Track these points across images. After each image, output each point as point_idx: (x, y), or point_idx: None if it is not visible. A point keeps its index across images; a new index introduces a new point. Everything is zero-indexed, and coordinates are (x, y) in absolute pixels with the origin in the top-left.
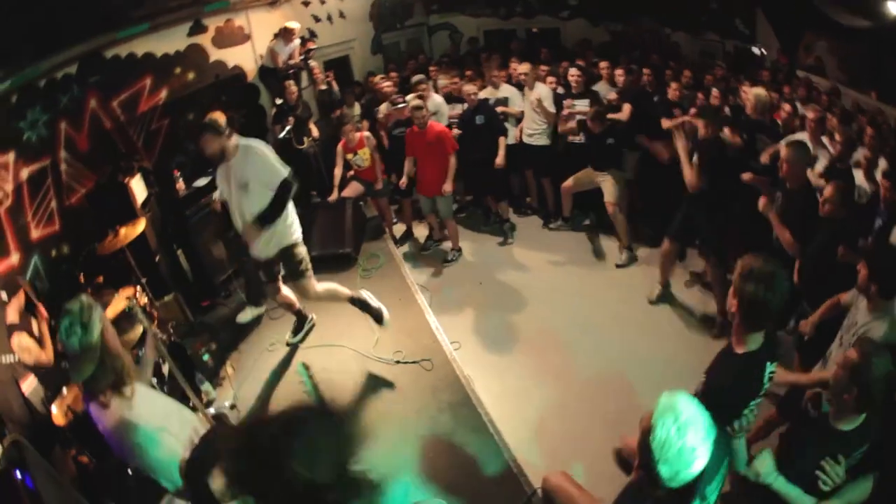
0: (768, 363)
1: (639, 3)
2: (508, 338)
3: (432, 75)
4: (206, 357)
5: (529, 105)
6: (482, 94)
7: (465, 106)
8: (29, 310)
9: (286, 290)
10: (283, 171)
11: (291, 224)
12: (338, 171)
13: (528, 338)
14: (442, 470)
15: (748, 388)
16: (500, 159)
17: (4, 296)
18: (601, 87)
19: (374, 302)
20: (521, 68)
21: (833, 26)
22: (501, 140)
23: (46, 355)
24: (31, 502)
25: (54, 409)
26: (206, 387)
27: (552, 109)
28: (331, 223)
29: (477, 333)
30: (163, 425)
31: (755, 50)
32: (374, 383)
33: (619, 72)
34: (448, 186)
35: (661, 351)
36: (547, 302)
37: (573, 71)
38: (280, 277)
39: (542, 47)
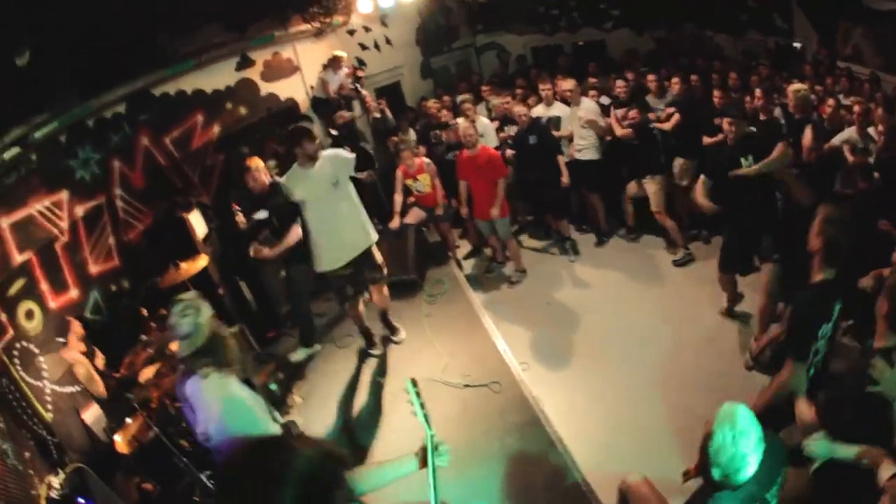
0: (837, 299)
1: (681, 9)
2: (575, 356)
3: (484, 95)
4: (273, 387)
5: (577, 121)
6: (536, 111)
7: (516, 127)
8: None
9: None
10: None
11: (368, 220)
12: (398, 198)
13: (594, 354)
14: (513, 491)
15: (821, 313)
16: (565, 178)
17: (61, 340)
18: (650, 100)
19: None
20: (566, 85)
21: (866, 12)
22: (560, 159)
23: (99, 385)
24: None
25: (118, 438)
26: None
27: (602, 122)
28: (394, 250)
29: (544, 353)
30: (255, 406)
31: (796, 44)
32: (443, 408)
33: (674, 80)
34: (496, 211)
35: (727, 364)
36: (611, 317)
37: (619, 83)
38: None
39: (589, 61)
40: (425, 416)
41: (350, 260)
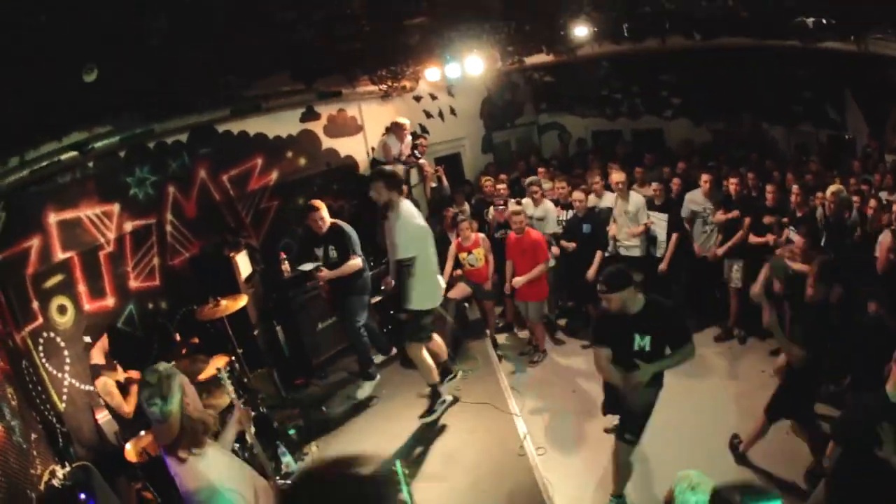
0: None
1: (739, 101)
2: (593, 447)
3: (540, 177)
4: (291, 431)
5: (624, 215)
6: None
7: (572, 212)
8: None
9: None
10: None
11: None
12: (448, 269)
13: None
14: None
15: None
16: (591, 272)
17: (88, 339)
18: (697, 197)
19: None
20: (616, 177)
21: None
22: (598, 254)
23: (129, 406)
24: None
25: (128, 446)
26: (287, 459)
27: (643, 221)
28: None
29: (563, 440)
30: (233, 487)
31: (847, 136)
32: (455, 482)
33: (733, 181)
34: (519, 280)
35: (746, 472)
36: None
37: (655, 185)
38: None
39: (646, 152)
40: (410, 495)
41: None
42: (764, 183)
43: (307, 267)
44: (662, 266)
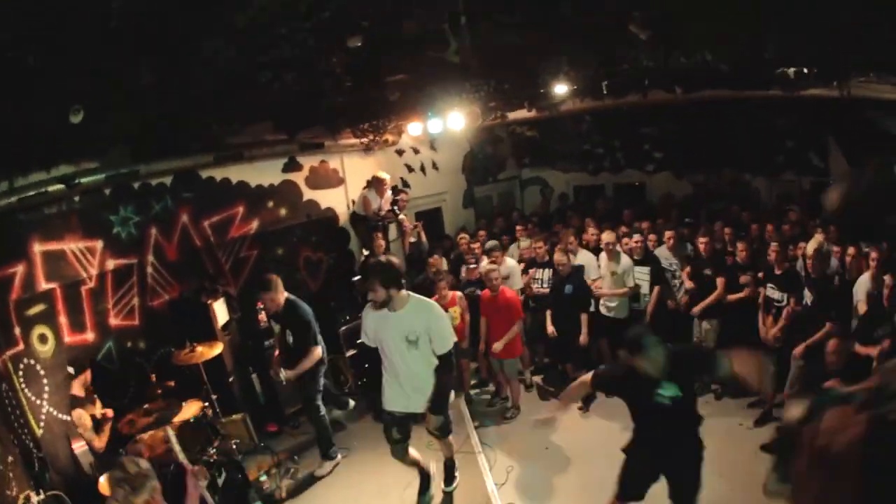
0: None
1: (720, 153)
2: (567, 502)
3: (518, 234)
4: (262, 478)
5: (611, 276)
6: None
7: (548, 270)
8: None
9: (413, 451)
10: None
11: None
12: None
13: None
14: None
15: None
16: (583, 337)
17: (72, 370)
18: (664, 252)
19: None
20: (606, 237)
21: None
22: (584, 317)
23: (100, 441)
24: None
25: (102, 479)
26: None
27: (631, 283)
28: None
29: (535, 497)
30: None
31: (830, 183)
32: None
33: (702, 240)
34: (499, 346)
35: None
36: (608, 472)
37: (636, 237)
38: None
39: (626, 207)
40: None
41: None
42: (739, 237)
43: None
44: (647, 320)
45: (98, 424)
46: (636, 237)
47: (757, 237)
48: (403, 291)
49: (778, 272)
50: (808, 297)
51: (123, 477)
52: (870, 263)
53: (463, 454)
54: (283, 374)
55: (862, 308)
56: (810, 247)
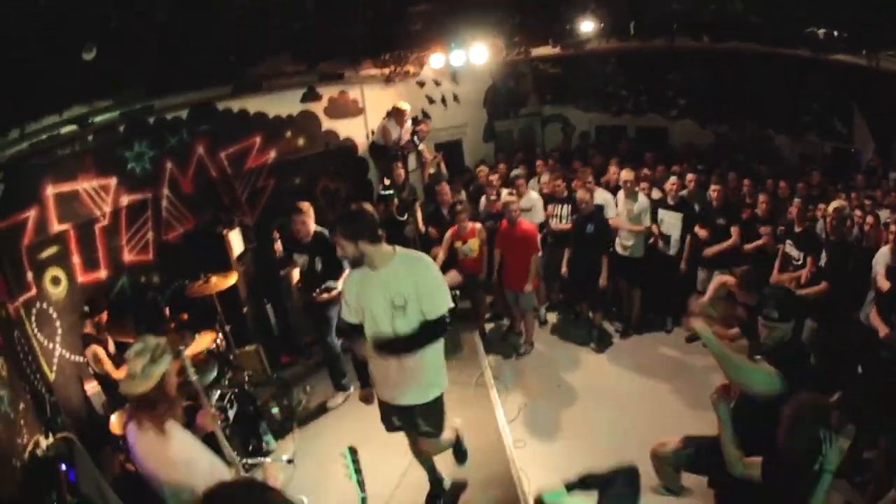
0: None
1: (745, 106)
2: (573, 443)
3: (538, 170)
4: (274, 410)
5: (626, 214)
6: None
7: (566, 206)
8: (110, 329)
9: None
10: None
11: (442, 367)
12: (441, 256)
13: (592, 445)
14: None
15: None
16: (603, 280)
17: (87, 309)
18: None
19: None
20: (625, 175)
21: None
22: (605, 259)
23: (119, 372)
24: (70, 494)
25: (113, 418)
26: (268, 437)
27: (647, 223)
28: None
29: (543, 434)
30: (198, 483)
31: (852, 150)
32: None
33: (715, 188)
34: (528, 287)
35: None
36: (617, 412)
37: (672, 180)
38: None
39: (649, 148)
40: (359, 483)
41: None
42: (759, 190)
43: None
44: (682, 266)
45: (114, 361)
46: (672, 179)
47: (773, 192)
48: (384, 245)
49: (798, 229)
50: (824, 259)
51: (144, 347)
52: (889, 237)
53: (475, 388)
54: (325, 295)
55: (883, 283)
56: (833, 205)
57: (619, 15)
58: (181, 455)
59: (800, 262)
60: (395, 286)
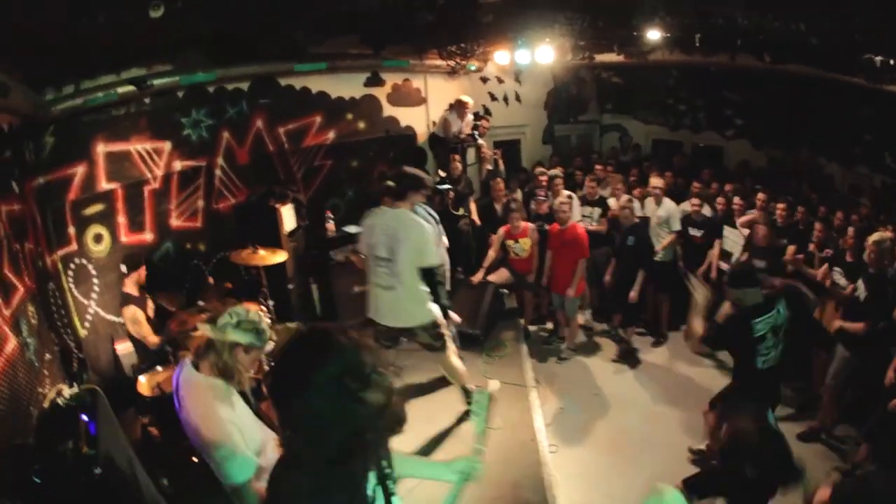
0: None
1: (800, 131)
2: (606, 452)
3: (598, 174)
4: None
5: (655, 219)
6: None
7: (600, 211)
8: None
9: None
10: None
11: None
12: (492, 254)
13: (625, 455)
14: None
15: None
16: (633, 293)
17: (124, 268)
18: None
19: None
20: (655, 182)
21: None
22: (641, 274)
23: (155, 337)
24: (88, 446)
25: (142, 378)
26: None
27: (677, 227)
28: (468, 302)
29: (577, 440)
30: (251, 454)
31: None
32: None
33: (780, 206)
34: (571, 292)
35: None
36: (653, 424)
37: (737, 200)
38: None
39: (704, 165)
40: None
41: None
42: (813, 218)
43: (352, 229)
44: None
45: (152, 323)
46: (737, 199)
47: (826, 220)
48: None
49: (850, 259)
50: (861, 288)
51: (237, 312)
52: None
53: (515, 387)
54: (355, 258)
55: None
56: (872, 238)
57: (685, 25)
58: (248, 434)
59: (846, 291)
60: (394, 228)
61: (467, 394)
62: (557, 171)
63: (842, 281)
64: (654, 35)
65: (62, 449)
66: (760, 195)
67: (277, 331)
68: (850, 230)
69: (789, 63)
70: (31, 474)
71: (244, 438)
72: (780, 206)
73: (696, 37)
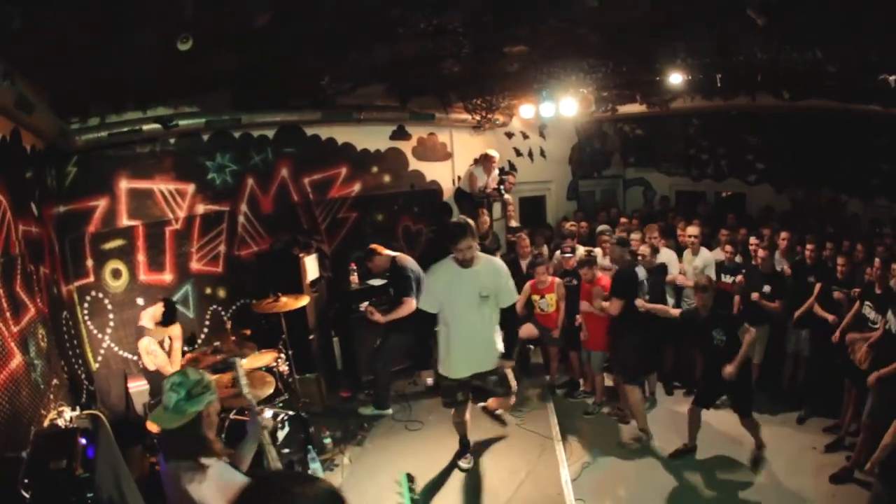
0: None
1: (820, 170)
2: None
3: (621, 229)
4: (327, 440)
5: (692, 270)
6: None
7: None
8: (165, 323)
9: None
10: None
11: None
12: (518, 308)
13: None
14: None
15: None
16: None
17: (141, 301)
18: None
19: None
20: (691, 230)
21: None
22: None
23: (173, 367)
24: (84, 468)
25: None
26: (315, 465)
27: (713, 277)
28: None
29: (605, 495)
30: None
31: None
32: None
33: (809, 247)
34: (596, 344)
35: None
36: (679, 479)
37: (752, 240)
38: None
39: (729, 213)
40: None
41: (475, 373)
42: (840, 253)
43: (376, 282)
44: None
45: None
46: (753, 239)
47: (849, 254)
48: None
49: (879, 291)
50: (892, 321)
51: (182, 381)
52: None
53: (542, 439)
54: (377, 315)
55: None
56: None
57: (706, 66)
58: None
59: (877, 325)
60: (484, 281)
61: None
62: (604, 227)
63: (871, 314)
64: (676, 79)
65: (55, 466)
66: (783, 234)
67: (295, 380)
68: (877, 261)
69: (808, 98)
70: (19, 487)
71: None
72: (809, 246)
73: (718, 77)
